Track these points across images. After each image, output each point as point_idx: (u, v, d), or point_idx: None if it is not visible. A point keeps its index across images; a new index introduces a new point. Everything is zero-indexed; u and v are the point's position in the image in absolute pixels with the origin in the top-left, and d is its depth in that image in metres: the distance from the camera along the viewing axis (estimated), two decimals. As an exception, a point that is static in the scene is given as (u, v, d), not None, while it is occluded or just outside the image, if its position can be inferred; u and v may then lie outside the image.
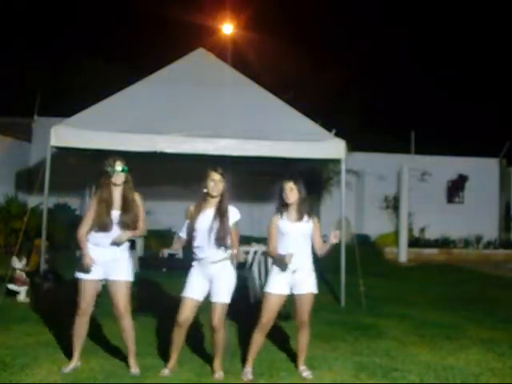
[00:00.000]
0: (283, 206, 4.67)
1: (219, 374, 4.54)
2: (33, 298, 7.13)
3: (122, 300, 4.55)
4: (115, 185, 4.57)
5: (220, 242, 4.45)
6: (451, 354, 5.39)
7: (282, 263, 4.52)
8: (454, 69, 22.00)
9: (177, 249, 4.68)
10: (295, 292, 4.63)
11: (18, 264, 7.23)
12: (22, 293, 7.11)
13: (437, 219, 15.03)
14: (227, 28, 17.53)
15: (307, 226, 4.65)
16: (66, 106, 12.33)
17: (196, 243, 4.50)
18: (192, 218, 4.50)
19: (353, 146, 10.69)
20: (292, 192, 4.62)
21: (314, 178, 12.91)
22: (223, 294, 4.47)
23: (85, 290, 4.52)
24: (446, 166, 15.88)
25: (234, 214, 4.56)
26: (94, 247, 4.53)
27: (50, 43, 20.79)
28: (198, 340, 5.31)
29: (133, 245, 10.43)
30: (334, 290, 8.23)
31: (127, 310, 4.59)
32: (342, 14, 22.58)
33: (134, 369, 4.59)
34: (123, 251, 4.63)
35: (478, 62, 22.26)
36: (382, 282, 9.61)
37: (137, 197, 4.67)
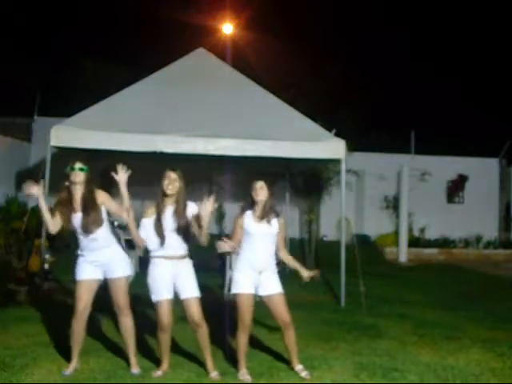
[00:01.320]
0: (250, 205, 4.65)
1: (215, 374, 4.55)
2: (33, 298, 7.13)
3: (121, 296, 4.55)
4: (74, 183, 4.50)
5: (182, 239, 4.50)
6: (451, 354, 5.39)
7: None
8: (454, 69, 22.00)
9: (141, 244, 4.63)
10: (262, 293, 4.60)
11: (17, 264, 7.23)
12: (22, 293, 7.11)
13: (437, 219, 15.02)
14: (227, 28, 17.53)
15: (273, 226, 4.63)
16: (66, 106, 12.34)
17: (158, 242, 4.49)
18: (155, 217, 4.51)
19: (353, 146, 10.69)
20: (262, 190, 4.63)
21: (314, 178, 12.90)
22: (194, 289, 4.52)
23: (82, 292, 4.52)
24: (446, 166, 15.86)
25: (192, 208, 4.56)
26: (90, 253, 4.54)
27: (50, 43, 20.79)
28: (197, 340, 5.30)
29: (133, 245, 10.46)
30: (333, 289, 8.23)
31: (127, 307, 4.59)
32: (342, 13, 22.58)
33: (135, 368, 4.59)
34: (113, 247, 4.63)
35: (478, 61, 22.26)
36: (382, 282, 9.61)
37: (100, 193, 4.58)
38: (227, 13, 17.99)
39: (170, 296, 4.52)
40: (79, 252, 4.64)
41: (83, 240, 4.56)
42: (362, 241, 13.57)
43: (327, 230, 14.39)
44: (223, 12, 18.28)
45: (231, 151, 7.75)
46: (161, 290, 4.49)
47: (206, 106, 8.27)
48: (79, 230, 4.54)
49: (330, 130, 8.51)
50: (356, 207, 15.61)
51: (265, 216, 4.60)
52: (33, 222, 9.09)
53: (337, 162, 8.64)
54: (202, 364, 4.76)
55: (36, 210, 9.87)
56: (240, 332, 4.57)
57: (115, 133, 7.51)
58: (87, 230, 4.49)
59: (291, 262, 4.79)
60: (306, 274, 4.70)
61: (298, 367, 4.68)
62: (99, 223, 4.53)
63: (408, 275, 11.04)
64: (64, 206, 4.52)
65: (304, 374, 4.63)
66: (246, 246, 4.61)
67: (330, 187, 13.82)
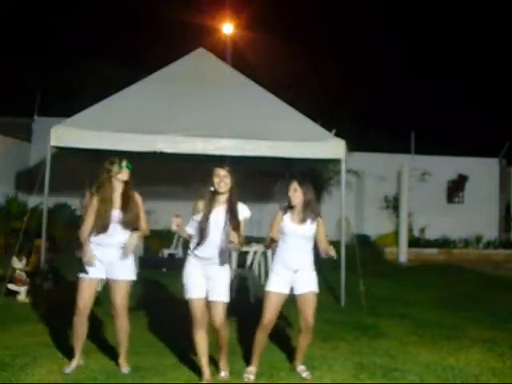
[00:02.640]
0: (289, 207, 4.62)
1: (225, 374, 4.54)
2: (33, 298, 7.13)
3: (121, 299, 4.55)
4: (119, 181, 4.56)
5: (228, 241, 4.34)
6: (451, 354, 5.39)
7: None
8: (454, 69, 21.99)
9: (187, 235, 4.55)
10: (296, 292, 4.58)
11: (17, 264, 7.23)
12: (22, 293, 7.11)
13: (437, 219, 15.01)
14: (227, 28, 17.53)
15: (310, 228, 4.59)
16: (66, 106, 12.34)
17: (203, 242, 4.38)
18: (203, 215, 4.37)
19: (353, 146, 10.69)
20: (296, 193, 4.58)
21: (314, 178, 12.89)
22: (223, 293, 4.43)
23: (84, 290, 4.51)
24: (446, 166, 15.86)
25: (243, 210, 4.48)
26: (98, 247, 4.51)
27: (50, 43, 20.78)
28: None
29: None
30: (334, 289, 8.23)
31: (125, 310, 4.59)
32: (342, 13, 22.57)
33: (125, 368, 4.59)
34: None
35: (478, 62, 22.26)
36: (382, 282, 9.60)
37: (137, 196, 4.66)
38: (227, 13, 18.00)
39: (203, 296, 4.43)
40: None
41: (99, 235, 4.51)
42: (362, 241, 13.55)
43: (327, 229, 14.37)
44: (223, 12, 18.28)
45: (231, 151, 7.75)
46: (195, 289, 4.42)
47: (206, 106, 8.27)
48: (114, 226, 4.49)
49: (330, 130, 8.51)
50: (356, 207, 15.60)
51: (302, 218, 4.56)
52: (33, 221, 9.10)
53: (337, 161, 8.64)
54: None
55: (36, 210, 9.92)
56: (260, 330, 4.55)
57: (115, 133, 7.52)
58: (126, 225, 4.51)
59: (330, 251, 4.63)
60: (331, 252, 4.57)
61: (300, 367, 4.69)
62: (137, 221, 4.57)
63: (408, 275, 11.03)
64: (106, 201, 4.51)
65: (305, 374, 4.62)
66: (281, 245, 4.59)
67: (330, 187, 13.84)
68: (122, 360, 4.64)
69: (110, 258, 4.54)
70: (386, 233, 14.76)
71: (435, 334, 6.11)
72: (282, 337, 5.58)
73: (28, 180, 13.43)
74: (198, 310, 4.41)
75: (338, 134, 8.25)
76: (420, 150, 15.79)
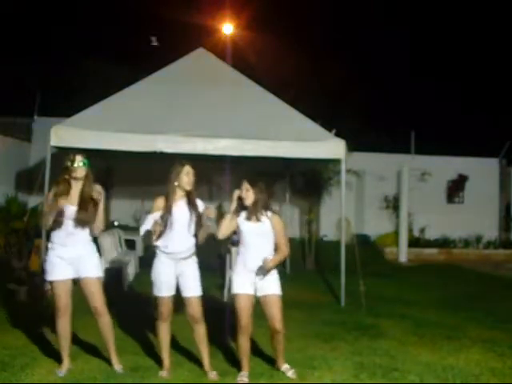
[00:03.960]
0: (242, 207, 4.61)
1: (213, 374, 4.55)
2: (33, 298, 7.13)
3: (97, 297, 4.51)
4: (75, 179, 4.50)
5: (190, 234, 4.51)
6: (451, 354, 5.39)
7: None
8: (455, 69, 21.99)
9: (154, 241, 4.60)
10: (259, 294, 4.55)
11: (17, 264, 7.23)
12: (22, 293, 7.11)
13: (437, 219, 15.00)
14: (227, 28, 17.52)
15: (265, 224, 4.54)
16: (66, 106, 12.32)
17: (168, 237, 4.47)
18: (165, 211, 4.48)
19: (353, 146, 10.68)
20: (248, 193, 4.56)
21: (314, 178, 12.89)
22: (196, 287, 4.54)
23: (59, 291, 4.48)
24: (446, 166, 15.85)
25: (201, 205, 4.60)
26: (60, 247, 4.48)
27: (50, 43, 20.77)
28: (194, 339, 5.30)
29: (133, 245, 10.47)
30: (333, 289, 8.23)
31: (104, 307, 4.55)
32: (342, 13, 22.56)
33: (118, 366, 4.58)
34: (87, 246, 4.57)
35: (479, 62, 22.25)
36: (382, 282, 9.60)
37: (98, 190, 4.55)
38: (227, 13, 18.00)
39: (171, 293, 4.54)
40: (50, 246, 4.57)
41: (60, 234, 4.48)
42: (362, 241, 13.55)
43: (327, 230, 14.38)
44: (223, 12, 18.28)
45: (231, 151, 7.75)
46: (165, 287, 4.51)
47: (206, 106, 8.27)
48: (70, 223, 4.46)
49: (330, 130, 8.51)
50: (356, 207, 15.59)
51: (254, 215, 4.53)
52: (33, 221, 9.10)
53: (337, 161, 8.64)
54: (201, 364, 4.76)
55: (36, 210, 9.91)
56: (239, 334, 4.52)
57: (115, 133, 7.51)
58: (80, 223, 4.46)
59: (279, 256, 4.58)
60: (267, 263, 4.45)
61: (285, 367, 4.64)
62: (92, 220, 4.52)
63: (408, 275, 11.03)
64: (60, 196, 4.47)
65: (290, 373, 4.59)
66: (241, 246, 4.60)
67: (330, 187, 13.81)
68: (113, 358, 4.61)
69: (73, 256, 4.47)
70: (386, 233, 14.75)
71: (435, 334, 6.11)
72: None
73: (28, 180, 13.42)
74: (165, 307, 4.54)
75: (337, 134, 8.25)
76: (420, 150, 15.78)
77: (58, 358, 4.80)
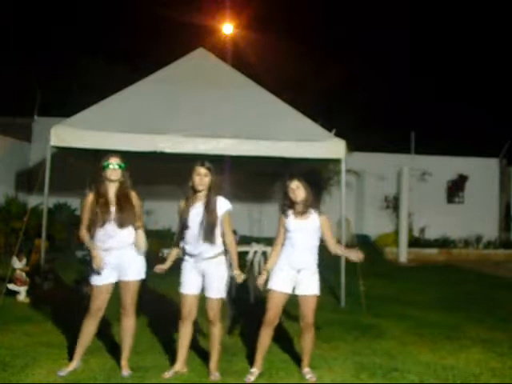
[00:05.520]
0: (289, 205, 4.64)
1: (215, 375, 4.54)
2: (33, 298, 7.13)
3: (130, 298, 4.54)
4: (110, 180, 4.52)
5: (208, 236, 4.43)
6: (451, 354, 5.40)
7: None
8: (455, 68, 21.99)
9: (171, 260, 4.65)
10: (298, 293, 4.59)
11: (17, 264, 7.23)
12: (22, 293, 7.11)
13: (437, 219, 15.02)
14: (227, 28, 17.53)
15: (313, 222, 4.60)
16: (66, 106, 12.33)
17: (187, 239, 4.50)
18: (182, 214, 4.51)
19: (353, 146, 10.69)
20: (299, 190, 4.61)
21: (314, 178, 12.90)
22: (218, 290, 4.51)
23: (98, 295, 4.50)
24: (446, 166, 15.87)
25: (223, 204, 4.54)
26: (104, 252, 4.47)
27: (50, 43, 20.78)
28: (198, 340, 5.31)
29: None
30: (334, 289, 8.23)
31: (133, 309, 4.58)
32: (342, 13, 22.58)
33: (126, 371, 4.55)
34: (129, 250, 4.55)
35: (479, 61, 22.25)
36: (382, 282, 9.61)
37: (134, 195, 4.62)
38: (227, 13, 18.01)
39: (195, 292, 4.53)
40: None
41: (97, 239, 4.48)
42: (362, 241, 13.57)
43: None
44: (223, 12, 18.29)
45: (231, 151, 7.75)
46: (186, 284, 4.52)
47: (206, 106, 8.27)
48: (111, 224, 4.45)
49: (330, 130, 8.50)
50: (356, 207, 15.62)
51: (304, 213, 4.58)
52: (33, 221, 9.10)
53: (337, 161, 8.63)
54: (202, 364, 4.76)
55: (36, 210, 9.92)
56: (263, 328, 4.57)
57: (115, 133, 7.51)
58: (121, 224, 4.46)
59: (339, 250, 4.73)
60: (354, 256, 4.58)
61: (305, 369, 4.67)
62: (133, 219, 4.53)
63: (408, 275, 11.03)
64: (102, 198, 4.48)
65: (309, 376, 4.60)
66: (286, 243, 4.61)
67: (330, 187, 13.85)
68: (124, 362, 4.59)
69: (119, 261, 4.50)
70: (386, 233, 14.76)
71: (435, 334, 6.11)
72: (283, 337, 5.57)
73: (28, 180, 13.44)
74: (186, 305, 4.52)
75: (338, 134, 8.25)
76: (420, 150, 15.80)
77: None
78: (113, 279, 4.55)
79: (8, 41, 20.03)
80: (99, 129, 7.51)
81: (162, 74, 8.94)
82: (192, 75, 8.81)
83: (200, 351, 5.05)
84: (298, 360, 4.90)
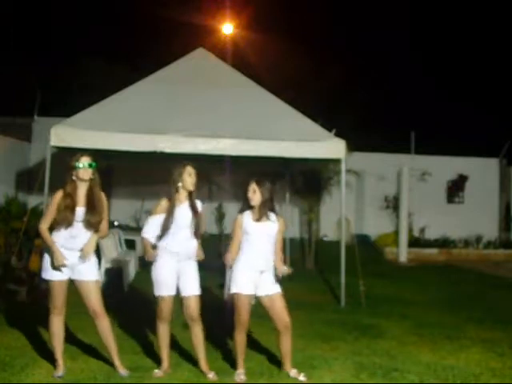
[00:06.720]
0: (248, 207, 4.63)
1: (212, 374, 4.54)
2: (33, 298, 7.13)
3: (95, 300, 4.49)
4: (82, 180, 4.47)
5: (198, 235, 4.60)
6: (451, 354, 5.40)
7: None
8: (455, 68, 21.99)
9: (153, 255, 4.64)
10: (262, 294, 4.56)
11: (17, 264, 7.23)
12: (22, 293, 7.11)
13: (437, 219, 15.01)
14: (227, 28, 17.54)
15: (273, 226, 4.60)
16: (66, 106, 12.33)
17: (177, 239, 4.52)
18: (168, 213, 4.53)
19: (353, 146, 10.68)
20: (255, 194, 4.59)
21: (314, 178, 12.90)
22: (195, 287, 4.57)
23: (56, 291, 4.47)
24: (446, 166, 15.86)
25: (199, 204, 4.67)
26: (63, 250, 4.43)
27: (50, 43, 20.78)
28: (191, 340, 5.30)
29: (133, 245, 10.46)
30: (333, 290, 8.23)
31: (103, 310, 4.52)
32: (342, 13, 22.57)
33: (122, 369, 4.52)
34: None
35: (479, 61, 22.25)
36: (382, 282, 9.61)
37: (103, 196, 4.57)
38: (227, 13, 18.01)
39: (171, 292, 4.56)
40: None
41: (61, 237, 4.43)
42: (362, 241, 13.56)
43: (327, 229, 14.38)
44: (223, 12, 18.29)
45: (231, 151, 7.75)
46: (165, 286, 4.53)
47: (206, 106, 8.26)
48: (77, 225, 4.43)
49: (330, 130, 8.50)
50: (356, 207, 15.61)
51: (263, 216, 4.57)
52: (33, 221, 9.09)
53: (337, 161, 8.63)
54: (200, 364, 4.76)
55: (36, 210, 9.91)
56: (237, 331, 4.55)
57: (115, 133, 7.51)
58: (89, 225, 4.44)
59: (276, 257, 4.65)
60: (280, 271, 4.56)
61: (293, 371, 4.62)
62: (100, 223, 4.51)
63: (408, 275, 11.04)
64: (68, 198, 4.43)
65: (301, 377, 4.56)
66: (246, 246, 4.59)
67: (330, 187, 13.81)
68: (116, 362, 4.55)
69: (74, 260, 4.45)
70: (386, 233, 14.76)
71: (435, 334, 6.11)
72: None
73: (28, 180, 13.43)
74: (166, 307, 4.56)
75: (338, 134, 8.25)
76: (420, 150, 15.79)
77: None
78: (67, 276, 4.48)
79: (8, 41, 20.03)
80: (99, 129, 7.51)
81: (161, 74, 8.93)
82: (192, 75, 8.81)
83: (195, 352, 5.04)
84: (298, 360, 4.90)
